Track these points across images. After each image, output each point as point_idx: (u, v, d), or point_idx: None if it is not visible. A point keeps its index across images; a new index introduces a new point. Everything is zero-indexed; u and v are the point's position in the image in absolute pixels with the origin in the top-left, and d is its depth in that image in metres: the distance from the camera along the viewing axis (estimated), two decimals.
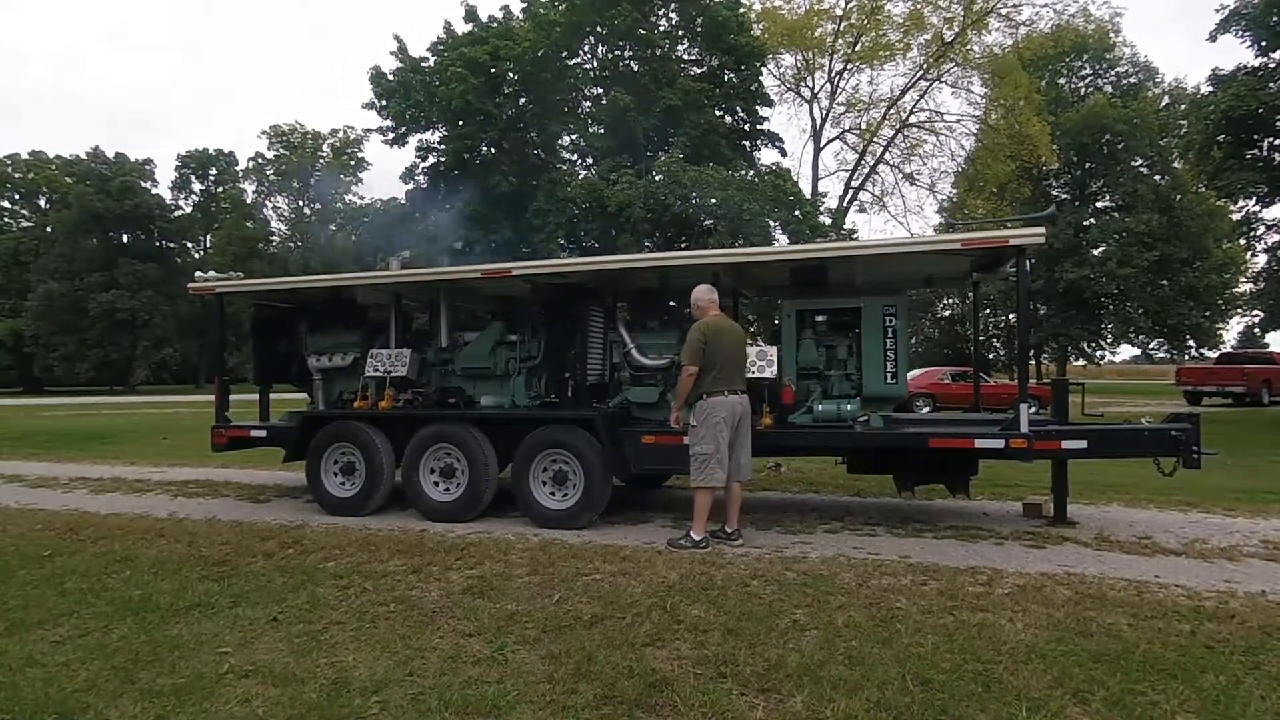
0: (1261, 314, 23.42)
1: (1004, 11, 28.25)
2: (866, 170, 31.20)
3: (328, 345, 7.36)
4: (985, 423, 6.37)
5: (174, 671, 3.22)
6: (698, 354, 5.21)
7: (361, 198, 49.36)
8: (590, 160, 27.26)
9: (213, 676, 3.16)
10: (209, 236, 53.49)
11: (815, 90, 31.00)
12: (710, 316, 5.40)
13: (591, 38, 27.28)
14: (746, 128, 28.87)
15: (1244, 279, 33.22)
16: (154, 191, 48.90)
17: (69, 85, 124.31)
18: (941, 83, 29.70)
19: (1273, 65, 17.56)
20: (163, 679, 3.14)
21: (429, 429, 6.42)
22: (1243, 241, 23.93)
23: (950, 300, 38.34)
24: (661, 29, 27.53)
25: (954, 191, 32.05)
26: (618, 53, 27.52)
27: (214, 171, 55.66)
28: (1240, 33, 17.54)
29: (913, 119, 30.35)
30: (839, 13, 28.78)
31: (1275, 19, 16.66)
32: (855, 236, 29.32)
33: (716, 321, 5.36)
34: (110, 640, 3.59)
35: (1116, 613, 3.72)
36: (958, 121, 30.05)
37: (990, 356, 34.87)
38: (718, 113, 27.32)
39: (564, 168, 27.37)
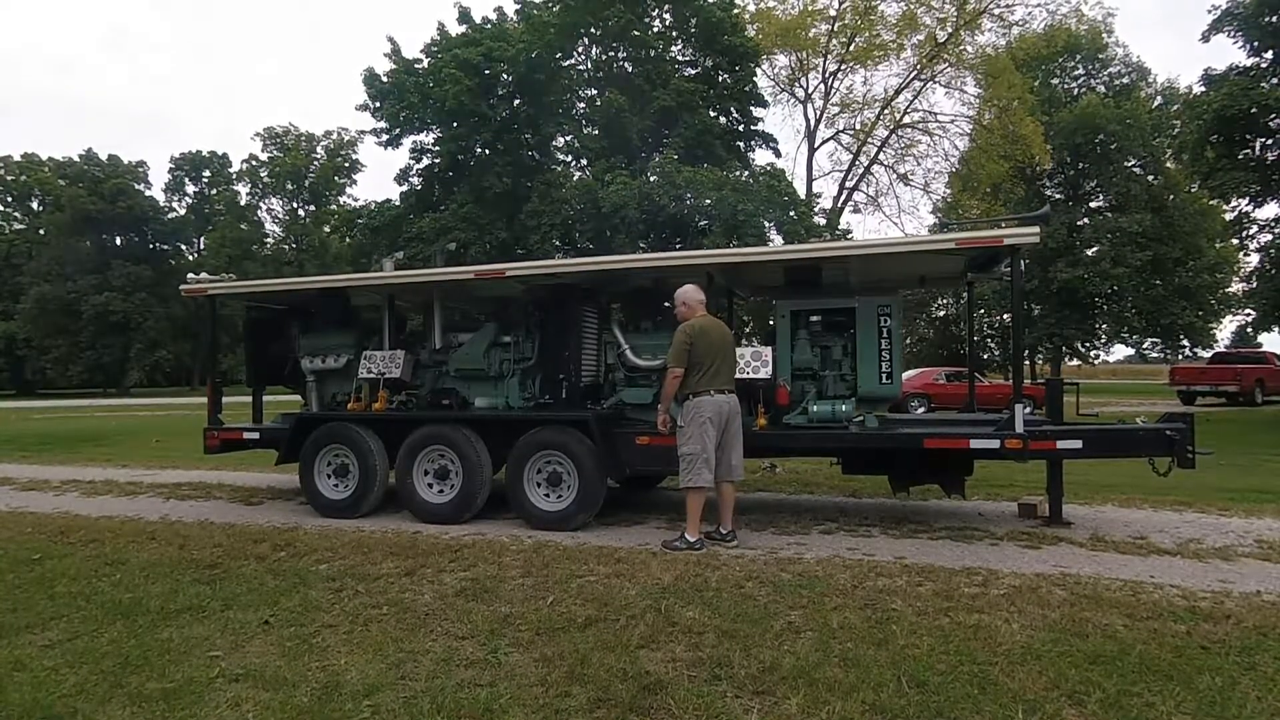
0: (1254, 313, 23.46)
1: (997, 12, 28.38)
2: (861, 171, 31.27)
3: (321, 347, 7.32)
4: (980, 423, 6.36)
5: (164, 676, 3.19)
6: (683, 356, 5.20)
7: (356, 199, 49.39)
8: (585, 161, 27.22)
9: (203, 680, 3.13)
10: (203, 239, 53.34)
11: (809, 91, 31.09)
12: (697, 317, 5.38)
13: (585, 39, 27.28)
14: (741, 128, 28.89)
15: (1236, 278, 33.38)
16: (147, 194, 48.72)
17: (63, 87, 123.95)
18: (935, 83, 29.78)
19: (1264, 65, 17.64)
20: (152, 683, 3.11)
21: (422, 430, 6.39)
22: (1235, 241, 24.00)
23: (945, 300, 38.40)
24: (655, 30, 27.54)
25: (948, 192, 32.13)
26: (612, 54, 27.52)
27: (207, 173, 55.59)
28: (1232, 33, 17.63)
29: (906, 119, 30.41)
30: (832, 13, 28.85)
31: (1266, 19, 16.74)
32: (850, 237, 29.36)
33: (703, 322, 5.34)
34: (100, 644, 3.55)
35: (1112, 613, 3.71)
36: (951, 122, 30.15)
37: (985, 357, 34.90)
38: (712, 113, 27.33)
39: (558, 169, 27.34)
